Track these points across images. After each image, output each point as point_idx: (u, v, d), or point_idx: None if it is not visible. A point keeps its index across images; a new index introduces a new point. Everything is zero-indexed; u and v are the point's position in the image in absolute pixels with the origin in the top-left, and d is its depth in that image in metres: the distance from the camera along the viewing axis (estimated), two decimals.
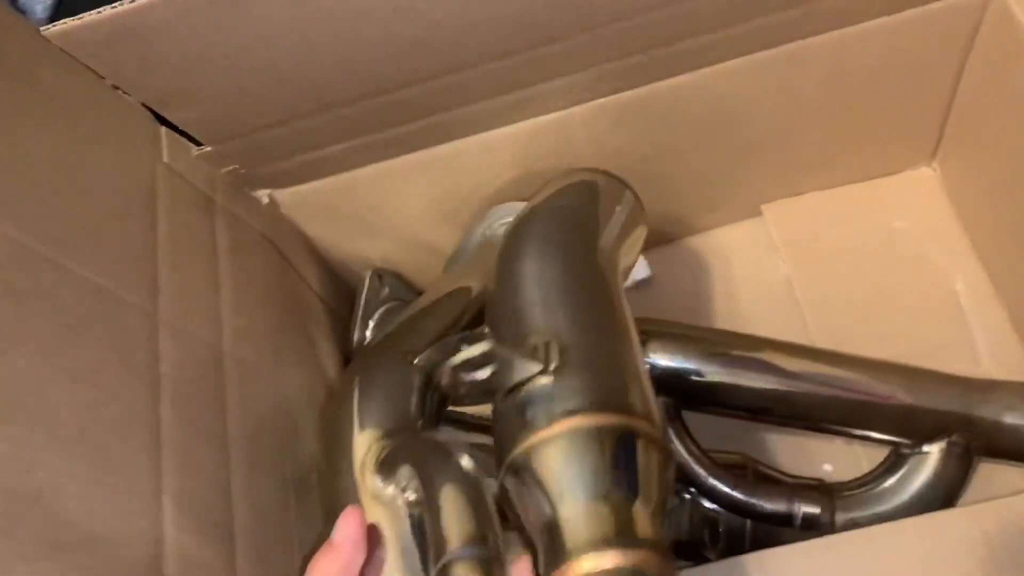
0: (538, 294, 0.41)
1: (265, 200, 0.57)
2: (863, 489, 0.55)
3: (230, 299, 0.49)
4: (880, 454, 0.59)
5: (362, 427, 0.42)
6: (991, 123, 0.60)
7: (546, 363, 0.37)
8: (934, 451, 0.54)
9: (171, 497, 0.38)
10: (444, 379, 0.44)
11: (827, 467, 0.62)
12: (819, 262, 0.68)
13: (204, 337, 0.46)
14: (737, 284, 0.69)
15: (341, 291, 0.67)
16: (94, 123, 0.45)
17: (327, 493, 0.42)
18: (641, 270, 0.71)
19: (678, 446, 0.52)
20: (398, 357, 0.45)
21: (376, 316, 0.65)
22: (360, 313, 0.64)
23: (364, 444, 0.41)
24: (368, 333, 0.64)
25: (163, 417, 0.40)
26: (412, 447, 0.40)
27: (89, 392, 0.36)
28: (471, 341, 0.43)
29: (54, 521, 0.32)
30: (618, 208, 0.50)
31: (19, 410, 0.32)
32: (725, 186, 0.68)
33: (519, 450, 0.36)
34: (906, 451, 0.55)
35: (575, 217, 0.48)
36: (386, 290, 0.66)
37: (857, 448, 0.62)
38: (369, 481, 0.39)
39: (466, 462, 0.37)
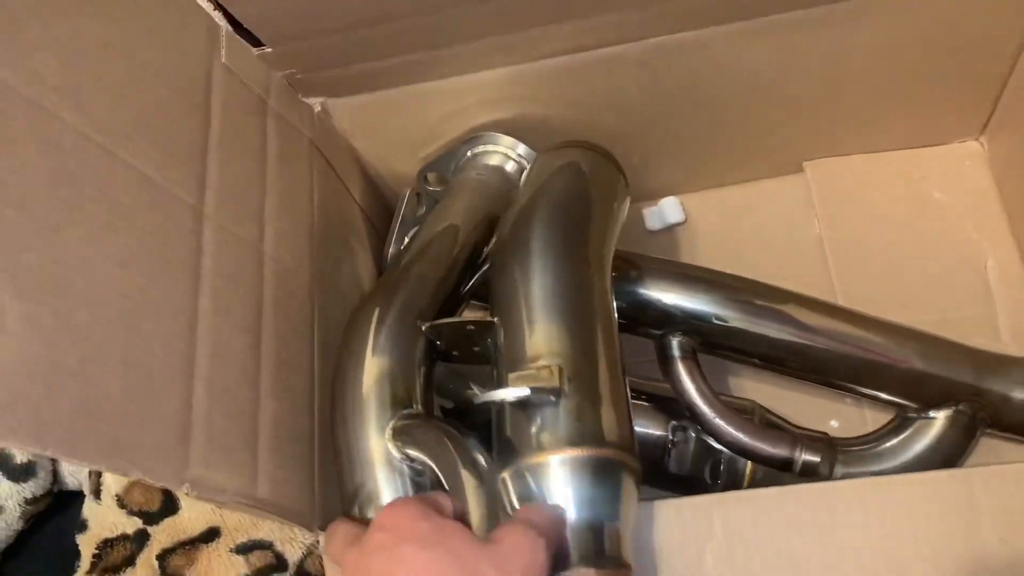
0: (543, 313, 0.45)
1: (317, 108, 0.59)
2: (865, 447, 0.56)
3: (275, 202, 0.51)
4: (887, 416, 0.61)
5: (376, 394, 0.46)
6: None
7: (555, 389, 0.41)
8: (940, 417, 0.55)
9: (202, 383, 0.41)
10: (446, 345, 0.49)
11: (833, 423, 0.63)
12: (853, 224, 0.68)
13: (246, 236, 0.48)
14: (769, 236, 0.69)
15: (382, 205, 0.69)
16: (155, 18, 0.46)
17: (341, 433, 0.46)
18: (675, 213, 0.72)
19: (689, 385, 0.54)
20: (408, 323, 0.48)
21: (411, 234, 0.67)
22: (396, 229, 0.66)
23: (374, 410, 0.45)
24: (402, 249, 0.66)
25: (201, 307, 0.42)
26: (426, 433, 0.44)
27: (133, 277, 0.38)
28: (481, 334, 0.47)
29: (91, 394, 0.34)
30: (614, 203, 0.53)
31: (68, 288, 0.35)
32: (769, 139, 0.68)
33: (525, 462, 0.41)
34: (912, 415, 0.56)
35: (572, 218, 0.50)
36: (423, 209, 0.68)
37: (865, 408, 0.63)
38: (383, 445, 0.44)
39: (476, 451, 0.42)
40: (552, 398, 0.41)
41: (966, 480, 0.42)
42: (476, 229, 0.56)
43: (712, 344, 0.56)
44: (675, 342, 0.55)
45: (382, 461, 0.44)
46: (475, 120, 0.63)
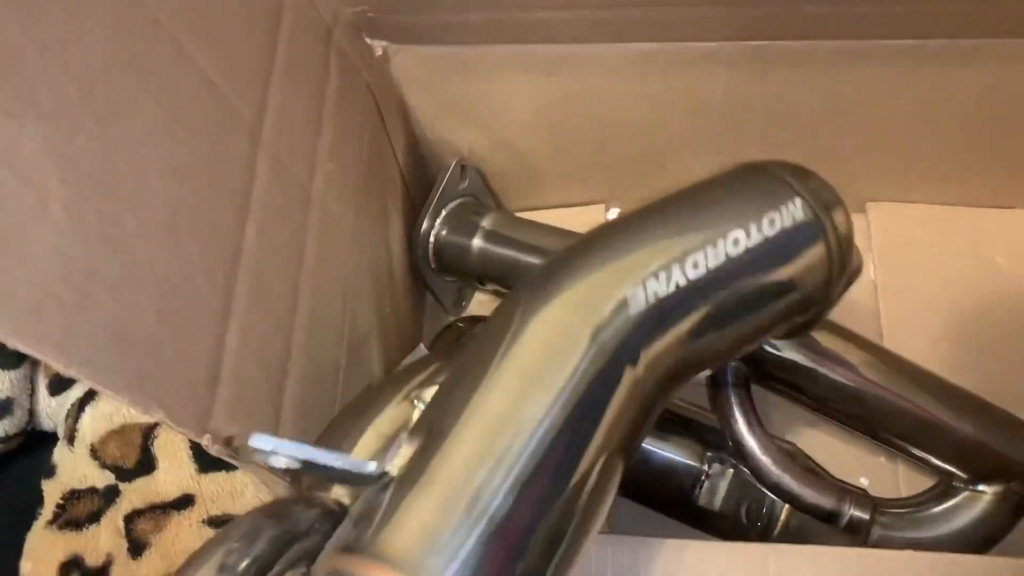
0: None
1: (379, 52, 0.54)
2: (908, 510, 0.53)
3: (328, 143, 0.46)
4: (920, 481, 0.57)
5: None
6: None
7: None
8: (989, 492, 0.52)
9: (237, 323, 0.36)
10: None
11: (864, 480, 0.60)
12: (910, 274, 0.65)
13: (298, 175, 0.43)
14: None
15: (421, 171, 0.64)
16: None
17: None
18: None
19: (738, 415, 0.50)
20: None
21: (448, 208, 0.62)
22: (435, 200, 0.61)
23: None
24: (437, 223, 0.62)
25: (247, 237, 0.37)
26: None
27: (185, 189, 0.33)
28: None
29: (126, 313, 0.30)
30: None
31: (118, 187, 0.30)
32: (836, 171, 0.65)
33: None
34: (959, 484, 0.53)
35: None
36: (465, 183, 0.64)
37: (900, 467, 0.60)
38: None
39: None
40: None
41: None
42: None
43: (766, 375, 0.52)
44: (730, 368, 0.51)
45: None
46: (544, 97, 0.58)
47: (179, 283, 0.32)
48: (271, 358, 0.38)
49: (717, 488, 0.51)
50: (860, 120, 0.59)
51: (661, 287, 0.33)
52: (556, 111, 0.59)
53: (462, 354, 0.33)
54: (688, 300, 0.34)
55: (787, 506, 0.50)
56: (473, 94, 0.59)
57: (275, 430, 0.37)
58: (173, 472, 0.53)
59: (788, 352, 0.51)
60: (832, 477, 0.54)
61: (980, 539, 0.52)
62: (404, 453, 0.29)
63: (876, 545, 0.51)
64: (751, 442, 0.50)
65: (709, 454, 0.52)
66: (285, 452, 0.27)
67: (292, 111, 0.43)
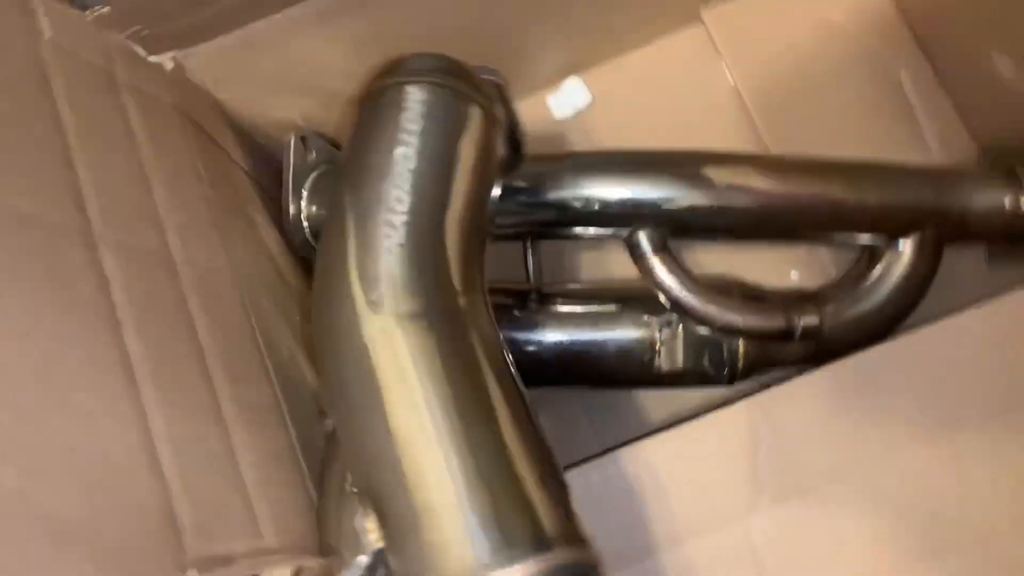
0: None
1: (170, 65, 0.49)
2: (845, 290, 0.55)
3: (164, 195, 0.42)
4: (843, 256, 0.60)
5: None
6: None
7: None
8: (908, 245, 0.54)
9: (168, 448, 0.33)
10: None
11: (794, 274, 0.62)
12: (764, 65, 0.65)
13: (147, 246, 0.39)
14: (683, 97, 0.65)
15: (265, 161, 0.60)
16: None
17: None
18: (581, 94, 0.66)
19: (667, 278, 0.50)
20: None
21: (308, 184, 0.59)
22: (291, 183, 0.57)
23: None
24: (303, 204, 0.58)
25: (131, 351, 0.34)
26: None
27: (44, 345, 0.30)
28: None
29: (49, 512, 0.27)
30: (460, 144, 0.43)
31: None
32: None
33: None
34: (880, 249, 0.55)
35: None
36: (312, 154, 0.60)
37: (822, 252, 0.62)
38: None
39: None
40: None
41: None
42: None
43: (679, 229, 0.52)
44: (643, 237, 0.51)
45: None
46: (348, 43, 0.54)
47: (82, 444, 0.30)
48: (216, 453, 0.36)
49: (675, 350, 0.52)
50: None
51: None
52: (368, 50, 0.55)
53: None
54: None
55: (743, 340, 0.52)
56: (281, 66, 0.54)
57: (252, 519, 0.35)
58: None
59: (689, 199, 0.51)
60: (772, 291, 0.56)
61: (915, 288, 0.54)
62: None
63: (831, 336, 0.53)
64: (689, 298, 0.50)
65: (655, 322, 0.52)
66: None
67: (111, 184, 0.39)
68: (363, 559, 0.28)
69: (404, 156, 0.40)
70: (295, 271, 0.56)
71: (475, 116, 0.43)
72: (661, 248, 0.50)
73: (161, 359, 0.35)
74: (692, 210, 0.50)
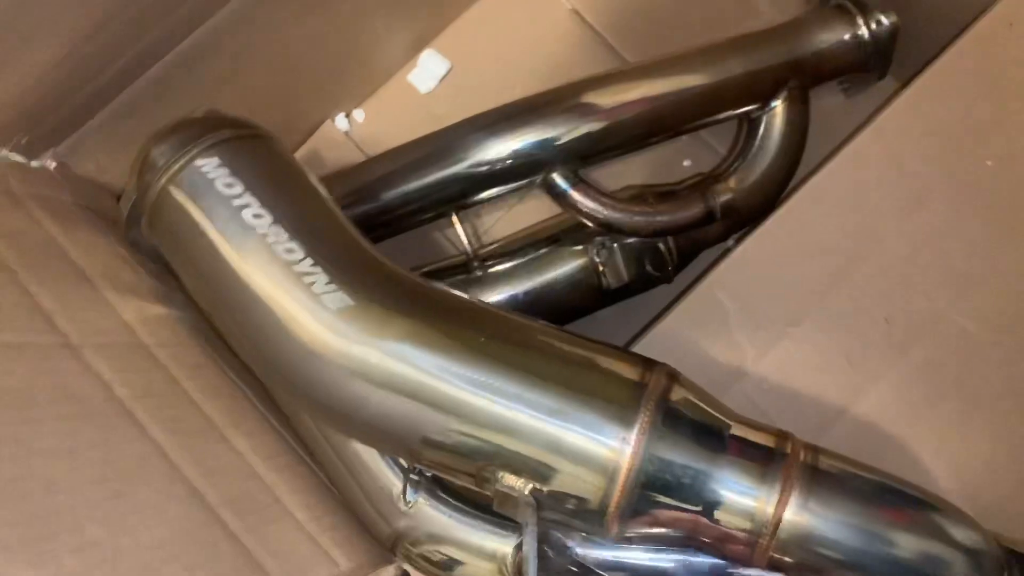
0: None
1: (53, 165, 0.48)
2: (739, 162, 0.59)
3: (104, 284, 0.42)
4: (725, 131, 0.64)
5: None
6: None
7: None
8: (779, 103, 0.59)
9: (222, 507, 0.34)
10: None
11: (687, 163, 0.66)
12: None
13: (121, 340, 0.40)
14: (532, 37, 0.68)
15: None
16: None
17: None
18: (438, 64, 0.68)
19: (592, 205, 0.53)
20: None
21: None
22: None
23: None
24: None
25: (157, 439, 0.35)
26: None
27: (88, 456, 0.31)
28: None
29: None
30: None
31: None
32: None
33: None
34: (757, 114, 0.59)
35: None
36: None
37: (703, 135, 0.66)
38: None
39: None
40: None
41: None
42: None
43: (582, 158, 0.55)
44: (557, 176, 0.53)
45: None
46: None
47: (171, 535, 0.31)
48: (262, 501, 0.37)
49: (616, 266, 0.56)
50: None
51: None
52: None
53: None
54: None
55: (671, 237, 0.56)
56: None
57: (318, 551, 0.37)
58: None
59: (582, 128, 0.53)
60: (678, 185, 0.60)
61: (799, 137, 0.59)
62: None
63: (743, 204, 0.57)
64: (617, 216, 0.54)
65: (590, 248, 0.56)
66: None
67: (62, 293, 0.39)
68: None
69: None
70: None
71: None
72: (577, 181, 0.53)
73: (184, 436, 0.36)
74: (588, 137, 0.53)
